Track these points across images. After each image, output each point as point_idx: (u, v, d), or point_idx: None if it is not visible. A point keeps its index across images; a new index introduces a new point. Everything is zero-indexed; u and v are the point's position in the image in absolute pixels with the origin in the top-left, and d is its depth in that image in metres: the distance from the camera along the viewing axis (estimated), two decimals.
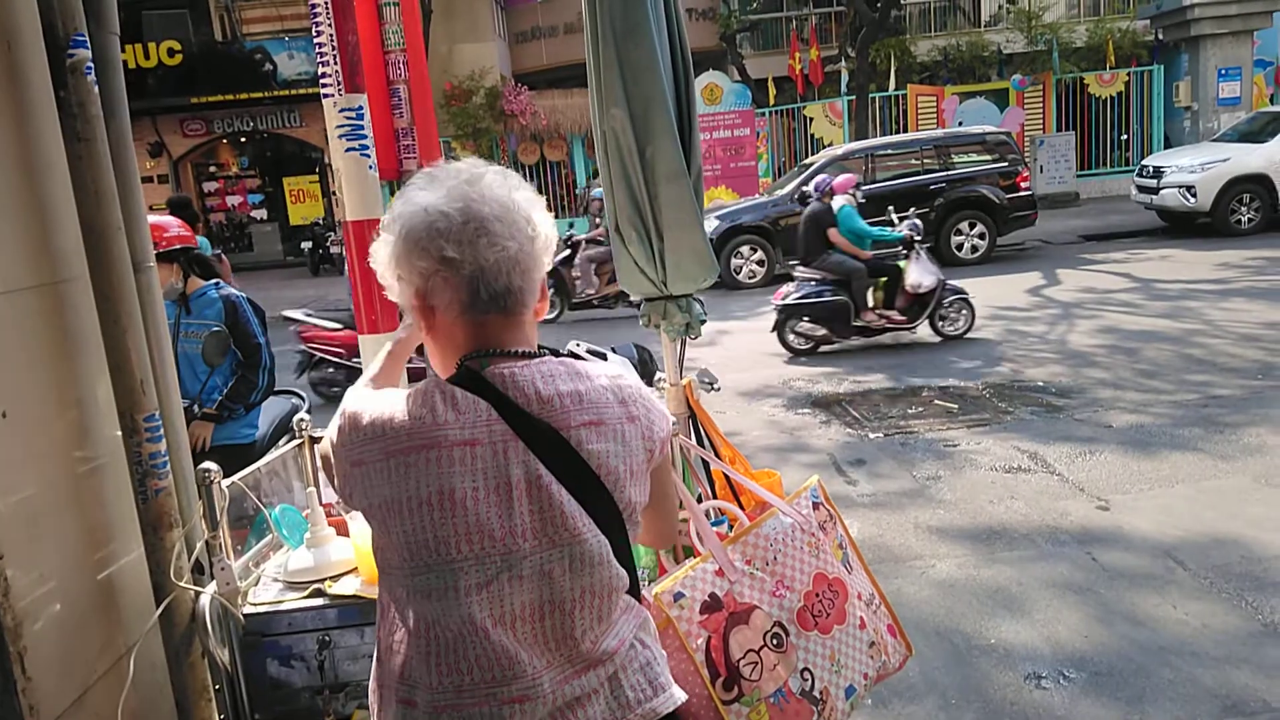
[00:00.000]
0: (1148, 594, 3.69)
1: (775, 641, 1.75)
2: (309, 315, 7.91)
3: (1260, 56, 18.69)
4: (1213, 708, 2.94)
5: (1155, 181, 13.54)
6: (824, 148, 17.23)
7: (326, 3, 2.33)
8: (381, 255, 1.32)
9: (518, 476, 1.23)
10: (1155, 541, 4.13)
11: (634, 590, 1.36)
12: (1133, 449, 5.28)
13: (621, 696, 1.29)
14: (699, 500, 2.02)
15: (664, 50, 2.09)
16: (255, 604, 1.99)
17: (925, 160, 13.11)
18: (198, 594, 1.92)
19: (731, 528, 1.97)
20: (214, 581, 1.92)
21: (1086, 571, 3.92)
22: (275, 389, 4.50)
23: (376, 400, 1.29)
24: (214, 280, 3.63)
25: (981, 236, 12.79)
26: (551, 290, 10.55)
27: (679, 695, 1.36)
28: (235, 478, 2.11)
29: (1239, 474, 4.80)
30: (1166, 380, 6.56)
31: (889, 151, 13.47)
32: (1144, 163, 14.66)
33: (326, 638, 1.95)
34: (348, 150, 2.49)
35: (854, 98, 18.86)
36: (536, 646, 1.24)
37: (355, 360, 7.56)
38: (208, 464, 1.93)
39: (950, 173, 12.94)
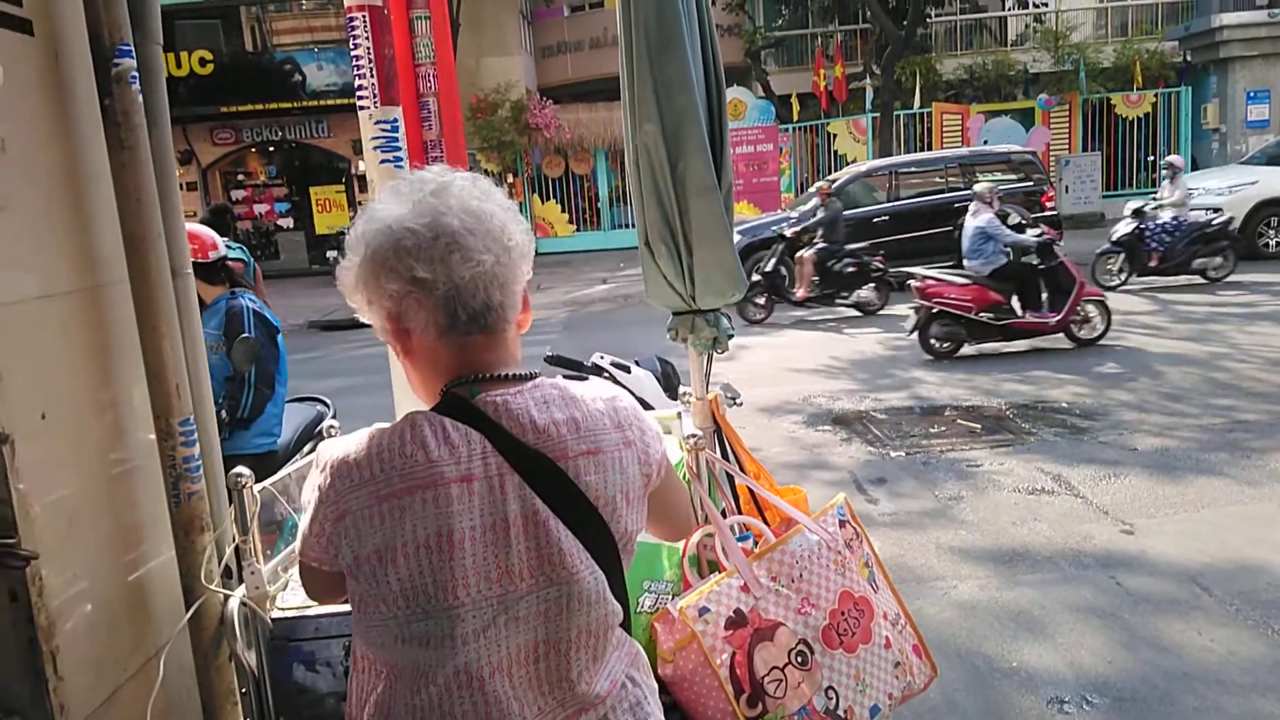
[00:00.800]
0: (1172, 619, 3.65)
1: (800, 659, 1.75)
2: (931, 269, 8.73)
3: None
4: None
5: None
6: (847, 164, 17.22)
7: (365, 16, 2.36)
8: (346, 279, 1.24)
9: (515, 512, 1.16)
10: (1180, 566, 4.08)
11: (625, 623, 1.30)
12: (1157, 472, 5.23)
13: None
14: (724, 515, 2.02)
15: (697, 65, 2.11)
16: (283, 608, 2.00)
17: (950, 178, 13.08)
18: (227, 597, 1.93)
19: (756, 543, 1.97)
20: (243, 585, 1.94)
21: (1110, 595, 3.88)
22: (302, 396, 4.55)
23: (358, 443, 1.18)
24: (232, 290, 3.66)
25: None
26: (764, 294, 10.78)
27: None
28: (266, 483, 2.12)
29: (1265, 500, 4.74)
30: (1192, 404, 6.50)
31: (913, 169, 13.46)
32: None
33: (352, 644, 1.96)
34: (382, 161, 2.52)
35: (878, 115, 18.86)
36: (530, 692, 1.18)
37: (984, 315, 8.22)
38: (240, 469, 1.95)
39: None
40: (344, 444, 1.20)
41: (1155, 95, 19.34)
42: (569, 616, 1.19)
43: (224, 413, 3.50)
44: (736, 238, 12.63)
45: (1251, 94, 17.52)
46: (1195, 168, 17.96)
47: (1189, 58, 19.15)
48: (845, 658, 1.79)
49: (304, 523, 1.22)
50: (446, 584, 1.13)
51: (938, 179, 13.16)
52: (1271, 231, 12.71)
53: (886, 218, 12.80)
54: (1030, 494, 5.07)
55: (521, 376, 1.25)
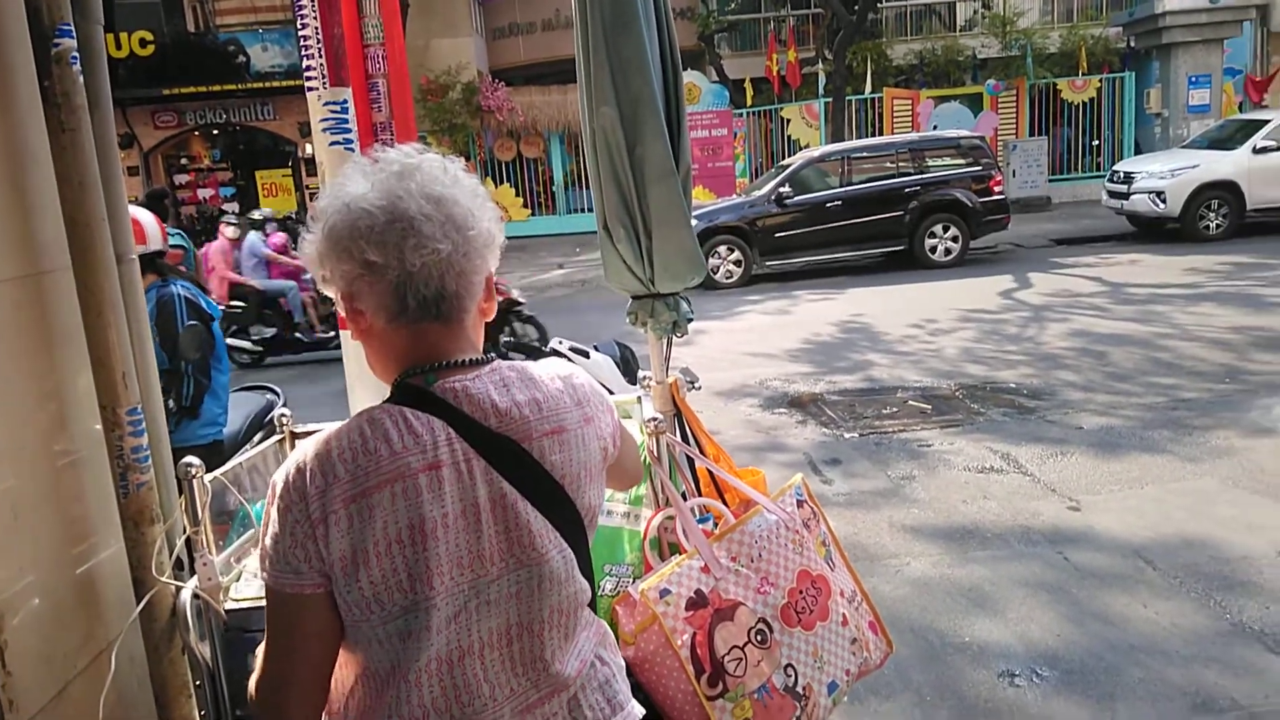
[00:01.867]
0: (1118, 593, 3.75)
1: (759, 638, 1.77)
2: None
3: (1230, 65, 19.01)
4: (1182, 706, 3.00)
5: (1126, 187, 13.73)
6: (801, 149, 17.32)
7: None
8: (307, 250, 1.21)
9: (483, 497, 1.16)
10: (1125, 541, 4.19)
11: (592, 603, 1.31)
12: (1103, 450, 5.36)
13: (580, 717, 1.24)
14: (685, 498, 2.03)
15: (653, 47, 2.10)
16: (237, 599, 1.97)
17: (900, 163, 13.22)
18: (178, 589, 1.90)
19: (717, 525, 1.98)
20: (195, 577, 1.91)
21: (1058, 571, 3.97)
22: (251, 384, 4.47)
23: (317, 446, 1.14)
24: (163, 278, 3.57)
25: (955, 239, 12.92)
26: None
27: (637, 711, 1.32)
28: (217, 473, 2.09)
29: (1207, 475, 4.88)
30: (1135, 383, 6.66)
31: (865, 154, 13.57)
32: (1115, 168, 14.86)
33: None
34: (332, 144, 2.48)
35: (831, 100, 18.98)
36: (504, 674, 1.18)
37: None
38: (190, 459, 1.91)
39: (925, 176, 13.07)
40: (300, 449, 1.16)
41: (1100, 81, 19.68)
42: (540, 597, 1.19)
43: (172, 401, 3.43)
44: (693, 222, 12.76)
45: (1193, 79, 17.91)
46: (1139, 152, 18.34)
47: (1132, 43, 19.52)
48: (804, 635, 1.82)
49: (268, 544, 1.14)
50: (422, 575, 1.12)
51: (889, 164, 13.29)
52: (1212, 214, 13.03)
53: (839, 203, 12.91)
54: (980, 473, 5.17)
55: (478, 361, 1.23)
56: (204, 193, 21.66)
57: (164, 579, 1.89)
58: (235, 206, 21.69)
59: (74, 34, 1.75)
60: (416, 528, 1.12)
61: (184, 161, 21.71)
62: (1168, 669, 3.20)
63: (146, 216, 3.58)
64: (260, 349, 9.36)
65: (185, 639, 1.89)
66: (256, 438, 3.82)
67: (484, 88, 20.26)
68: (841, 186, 13.11)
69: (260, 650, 1.19)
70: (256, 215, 10.59)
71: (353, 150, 2.42)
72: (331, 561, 1.11)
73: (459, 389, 1.18)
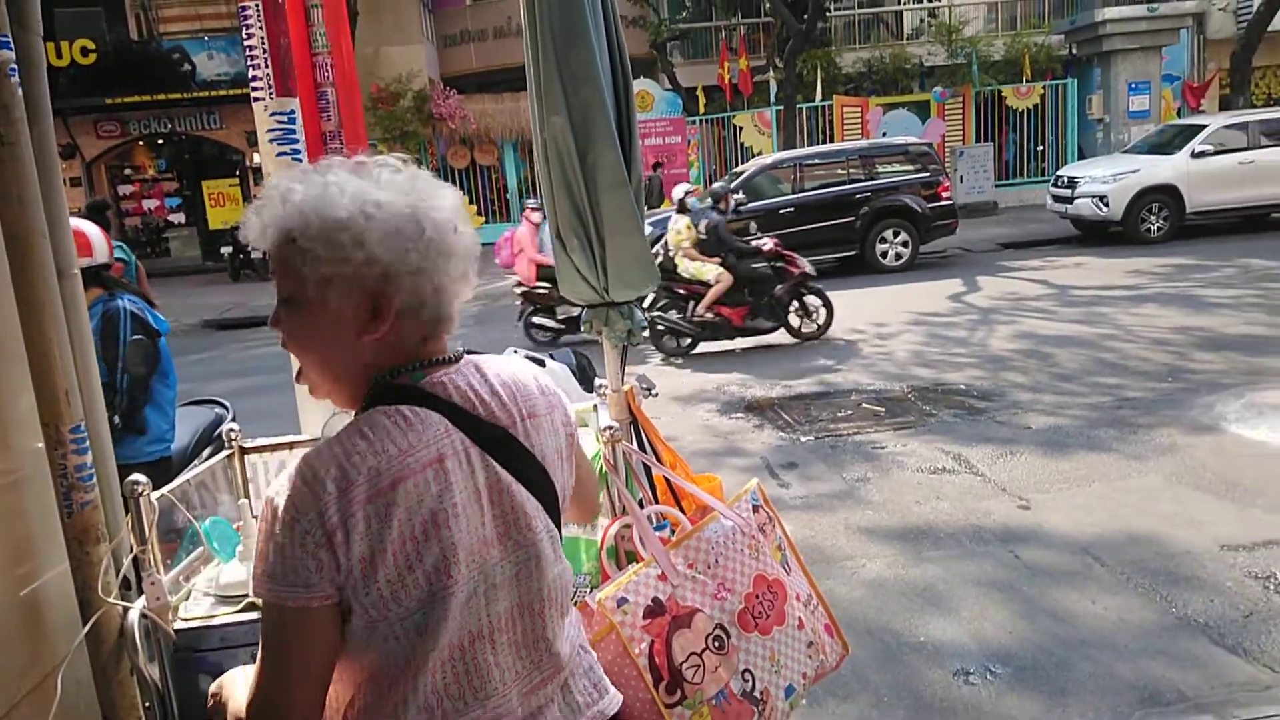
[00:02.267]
0: (1067, 590, 3.82)
1: (717, 644, 1.78)
2: None
3: (1168, 71, 19.53)
4: (1130, 699, 3.07)
5: (1070, 191, 14.04)
6: (754, 156, 17.45)
7: (258, 5, 2.30)
8: (348, 224, 1.15)
9: (482, 483, 1.21)
10: (1074, 539, 4.28)
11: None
12: (1051, 449, 5.47)
13: (572, 701, 1.30)
14: (641, 505, 2.03)
15: (604, 57, 2.11)
16: (186, 619, 1.94)
17: (851, 170, 13.39)
18: (126, 609, 1.86)
19: (674, 532, 1.99)
20: (143, 597, 1.87)
21: (1009, 569, 4.04)
22: (199, 399, 4.39)
23: (321, 456, 1.13)
24: (109, 292, 3.50)
25: (905, 244, 13.11)
26: None
27: (617, 695, 1.39)
28: (164, 490, 2.05)
29: (1151, 473, 5.00)
30: (1081, 383, 6.81)
31: (816, 161, 13.72)
32: (1059, 173, 15.20)
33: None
34: (279, 154, 2.46)
35: (782, 108, 19.16)
36: (511, 656, 1.23)
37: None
38: (136, 476, 1.87)
39: (875, 182, 13.24)
40: (304, 463, 1.14)
41: (1043, 87, 20.13)
42: (538, 577, 1.25)
43: (117, 418, 3.36)
44: (647, 229, 12.79)
45: (1133, 85, 18.37)
46: (1081, 156, 18.77)
47: (1074, 50, 19.98)
48: (760, 640, 1.83)
49: (270, 561, 1.11)
50: (440, 566, 1.15)
51: (840, 170, 13.45)
52: (1153, 218, 13.37)
53: (792, 209, 13.04)
54: (932, 473, 5.24)
55: (450, 359, 1.28)
56: (149, 203, 21.27)
57: (111, 599, 1.85)
58: (181, 217, 21.35)
59: (11, 45, 1.71)
60: (430, 520, 1.15)
61: (128, 172, 21.31)
62: (1116, 663, 3.27)
63: (92, 229, 3.50)
64: (563, 325, 9.59)
65: (134, 660, 1.85)
66: (205, 453, 3.77)
67: (435, 95, 20.14)
68: (794, 193, 13.25)
69: (249, 674, 1.18)
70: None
71: (300, 160, 2.40)
72: (350, 566, 1.11)
73: (446, 382, 1.23)
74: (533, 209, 10.16)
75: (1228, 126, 13.57)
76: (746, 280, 8.75)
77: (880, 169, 13.42)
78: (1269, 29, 17.32)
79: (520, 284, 9.88)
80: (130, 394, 3.45)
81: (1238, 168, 13.14)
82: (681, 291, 8.79)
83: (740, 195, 12.92)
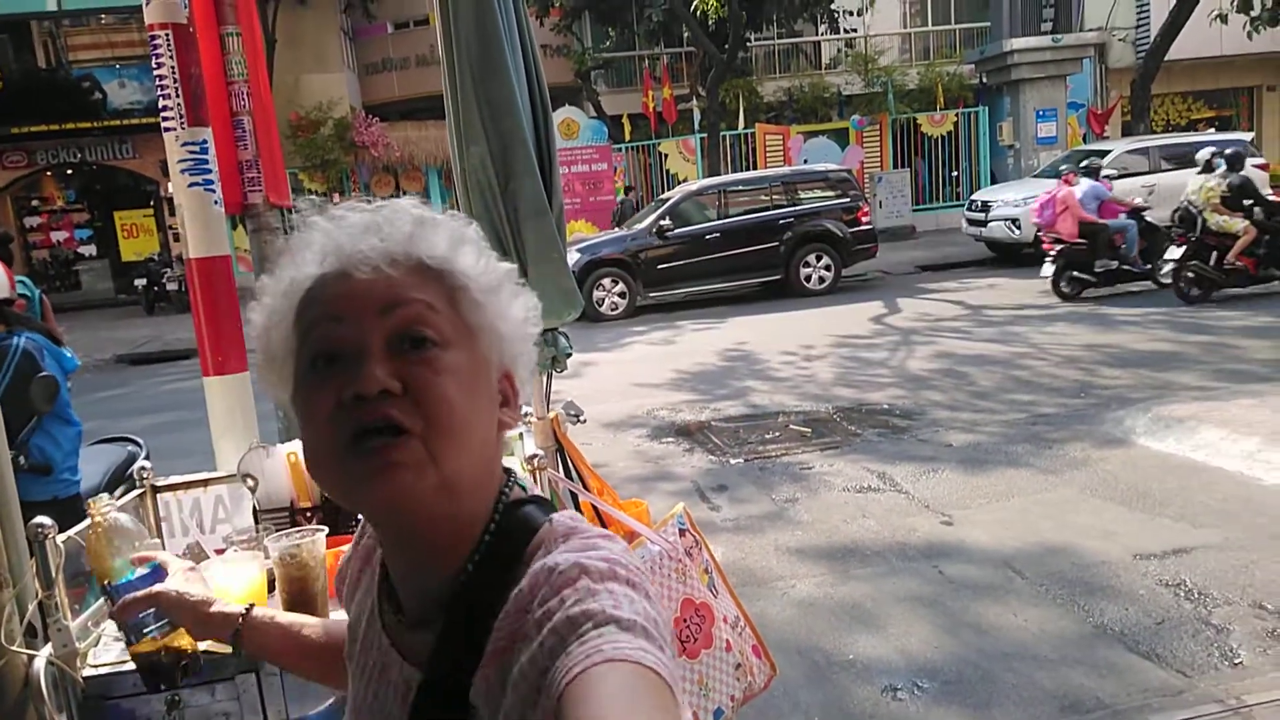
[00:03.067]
0: (990, 603, 3.91)
1: None
2: None
3: (1073, 99, 20.35)
4: (1051, 708, 3.14)
5: (984, 215, 14.51)
6: (679, 183, 17.65)
7: (168, 35, 2.25)
8: (515, 312, 0.92)
9: None
10: (995, 553, 4.39)
11: None
12: (971, 466, 5.61)
13: None
14: None
15: (522, 88, 2.12)
16: (96, 665, 1.86)
17: (774, 196, 13.64)
18: (31, 658, 1.78)
19: None
20: (49, 644, 1.79)
21: (934, 584, 4.12)
22: (112, 436, 4.25)
23: (608, 546, 0.83)
24: (8, 329, 3.37)
25: (827, 268, 13.38)
26: None
27: None
28: (70, 532, 1.97)
29: (1066, 486, 5.16)
30: (997, 401, 7.01)
31: (740, 187, 13.95)
32: (973, 197, 15.70)
33: (176, 697, 1.84)
34: (191, 185, 2.40)
35: (705, 135, 19.45)
36: None
37: None
38: (41, 519, 1.80)
39: (797, 208, 13.51)
40: (603, 551, 0.82)
41: (957, 115, 20.81)
42: None
43: (22, 459, 3.22)
44: (575, 256, 12.81)
45: (1040, 113, 19.10)
46: (994, 181, 19.41)
47: (985, 80, 20.70)
48: (688, 664, 1.83)
49: (653, 627, 0.76)
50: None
51: (763, 197, 13.69)
52: None
53: (718, 234, 13.21)
54: (858, 492, 5.33)
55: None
56: (58, 235, 20.56)
57: (15, 648, 1.76)
58: (93, 249, 20.67)
59: None
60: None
61: (35, 203, 20.59)
62: (1038, 673, 3.36)
63: None
64: (1094, 279, 10.82)
65: (40, 710, 1.77)
66: (118, 492, 3.64)
67: (357, 123, 19.95)
68: (719, 219, 13.43)
69: None
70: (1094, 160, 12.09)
71: (213, 191, 2.35)
72: None
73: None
74: (1077, 173, 11.38)
75: (1130, 151, 14.21)
76: (1270, 232, 9.64)
77: (802, 195, 13.71)
78: (1165, 58, 18.23)
79: None
80: (39, 432, 3.32)
81: (1140, 190, 13.73)
82: (1210, 243, 9.80)
83: (667, 221, 13.09)
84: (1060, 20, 19.01)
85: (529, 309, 0.94)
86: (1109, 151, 14.24)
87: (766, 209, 13.54)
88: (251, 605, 1.24)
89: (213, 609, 1.24)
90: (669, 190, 16.06)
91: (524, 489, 0.93)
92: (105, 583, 1.40)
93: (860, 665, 3.51)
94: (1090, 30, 20.58)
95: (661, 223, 13.12)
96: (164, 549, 2.14)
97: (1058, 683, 3.28)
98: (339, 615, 1.21)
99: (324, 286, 0.84)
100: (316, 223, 0.89)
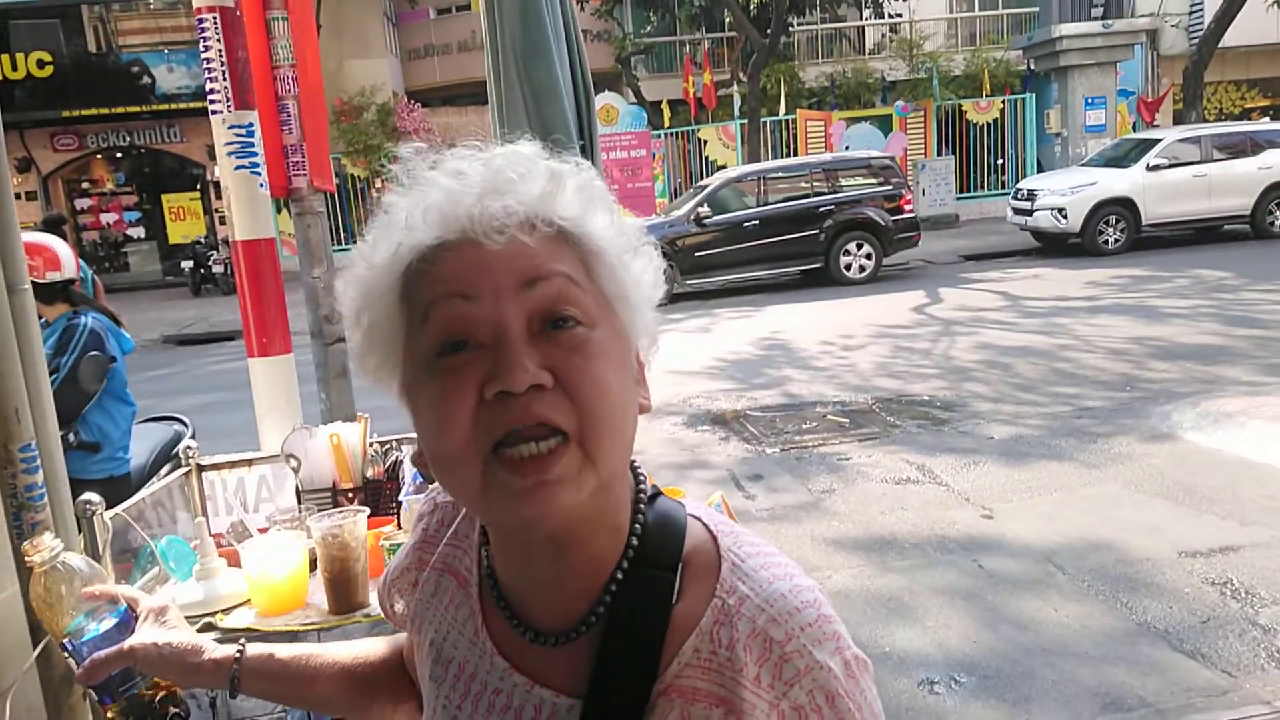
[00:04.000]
0: (1030, 598, 3.86)
1: None
2: None
3: (1123, 86, 19.94)
4: (1093, 706, 3.10)
5: (1029, 204, 14.28)
6: (718, 169, 17.57)
7: (215, 18, 2.27)
8: (646, 276, 0.79)
9: None
10: (1036, 547, 4.33)
11: None
12: (1012, 459, 5.53)
13: None
14: None
15: (565, 72, 2.11)
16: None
17: (815, 183, 13.51)
18: (107, 574, 1.82)
19: None
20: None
21: (973, 578, 4.08)
22: (159, 415, 4.32)
23: (813, 591, 0.76)
24: (74, 309, 3.45)
25: (868, 257, 13.24)
26: None
27: None
28: (118, 509, 2.01)
29: (1110, 481, 5.07)
30: (1041, 393, 6.90)
31: (781, 174, 13.84)
32: (1019, 186, 15.46)
33: None
34: (237, 168, 2.43)
35: (746, 121, 19.31)
36: None
37: None
38: (88, 495, 1.84)
39: (838, 195, 13.38)
40: (817, 602, 0.75)
41: (1003, 102, 20.46)
42: None
43: (71, 436, 3.29)
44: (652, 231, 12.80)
45: (1089, 100, 18.73)
46: (1040, 170, 19.09)
47: (1032, 66, 20.33)
48: None
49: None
50: None
51: (803, 184, 13.57)
52: (1110, 229, 13.61)
53: (756, 222, 13.13)
54: (897, 484, 5.28)
55: None
56: (107, 217, 20.95)
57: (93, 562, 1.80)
58: (141, 231, 21.06)
59: None
60: None
61: (86, 186, 21.00)
62: (1079, 670, 3.31)
63: (60, 245, 3.46)
64: None
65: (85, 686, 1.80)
66: (164, 470, 3.71)
67: (399, 109, 20.09)
68: (758, 206, 13.34)
69: None
70: None
71: (259, 174, 2.37)
72: None
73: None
74: None
75: (1182, 140, 13.89)
76: None
77: (843, 182, 13.56)
78: (1220, 45, 17.77)
79: None
80: (60, 404, 3.39)
81: (1191, 181, 13.44)
82: None
83: (705, 208, 13.03)
84: (1111, 6, 18.59)
85: (655, 269, 0.81)
86: (1159, 141, 13.94)
87: (807, 196, 13.42)
88: (244, 645, 1.06)
89: (204, 656, 1.05)
90: (708, 177, 15.98)
91: (644, 475, 0.84)
92: (64, 640, 1.14)
93: (897, 658, 3.48)
94: (1142, 16, 20.14)
95: (699, 210, 13.07)
96: (208, 526, 2.17)
97: (1099, 680, 3.23)
98: (371, 607, 1.03)
99: (445, 257, 0.71)
100: (429, 177, 0.74)
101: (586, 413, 0.69)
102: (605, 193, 0.79)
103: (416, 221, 0.72)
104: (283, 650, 1.08)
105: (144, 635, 1.08)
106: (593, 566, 0.76)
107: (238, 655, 1.04)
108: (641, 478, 0.82)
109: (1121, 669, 3.29)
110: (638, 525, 0.78)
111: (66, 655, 1.14)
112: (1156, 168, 13.50)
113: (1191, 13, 22.42)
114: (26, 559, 1.24)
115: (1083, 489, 5.00)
